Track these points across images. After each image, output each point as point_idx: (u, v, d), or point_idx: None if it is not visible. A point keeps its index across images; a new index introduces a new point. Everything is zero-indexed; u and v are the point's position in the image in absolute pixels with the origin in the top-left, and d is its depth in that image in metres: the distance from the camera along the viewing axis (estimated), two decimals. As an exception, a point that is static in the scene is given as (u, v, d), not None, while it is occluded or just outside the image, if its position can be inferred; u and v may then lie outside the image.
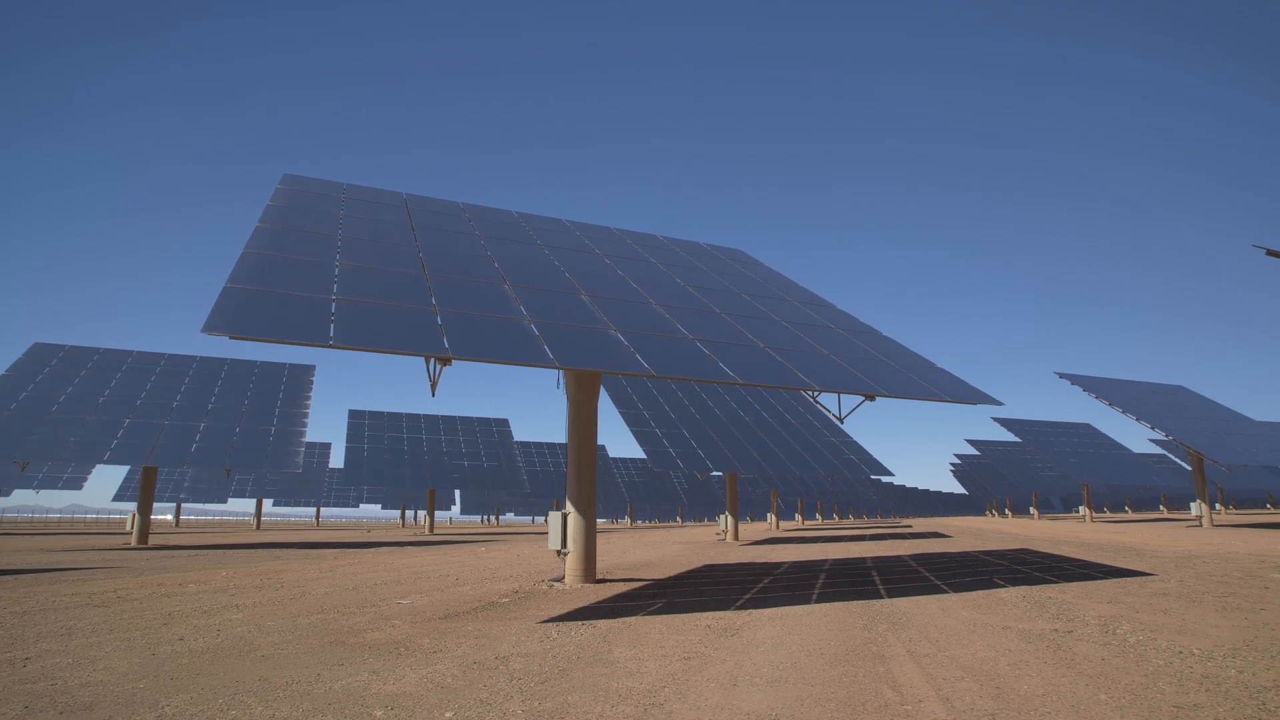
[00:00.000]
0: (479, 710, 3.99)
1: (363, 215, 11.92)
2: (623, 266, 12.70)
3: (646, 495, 63.34)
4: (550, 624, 6.94)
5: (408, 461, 35.56)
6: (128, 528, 21.60)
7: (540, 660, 5.24)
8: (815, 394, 10.69)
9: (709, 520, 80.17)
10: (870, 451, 29.21)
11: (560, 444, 56.31)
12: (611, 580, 11.04)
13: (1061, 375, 30.46)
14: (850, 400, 10.43)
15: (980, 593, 9.10)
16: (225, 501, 48.66)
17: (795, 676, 4.73)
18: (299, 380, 26.14)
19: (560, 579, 10.99)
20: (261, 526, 43.47)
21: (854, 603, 8.34)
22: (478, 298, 9.18)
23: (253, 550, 20.12)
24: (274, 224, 10.10)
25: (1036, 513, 53.59)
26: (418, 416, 39.39)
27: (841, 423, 10.55)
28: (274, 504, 57.19)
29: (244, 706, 4.06)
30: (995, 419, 43.86)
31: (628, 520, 65.51)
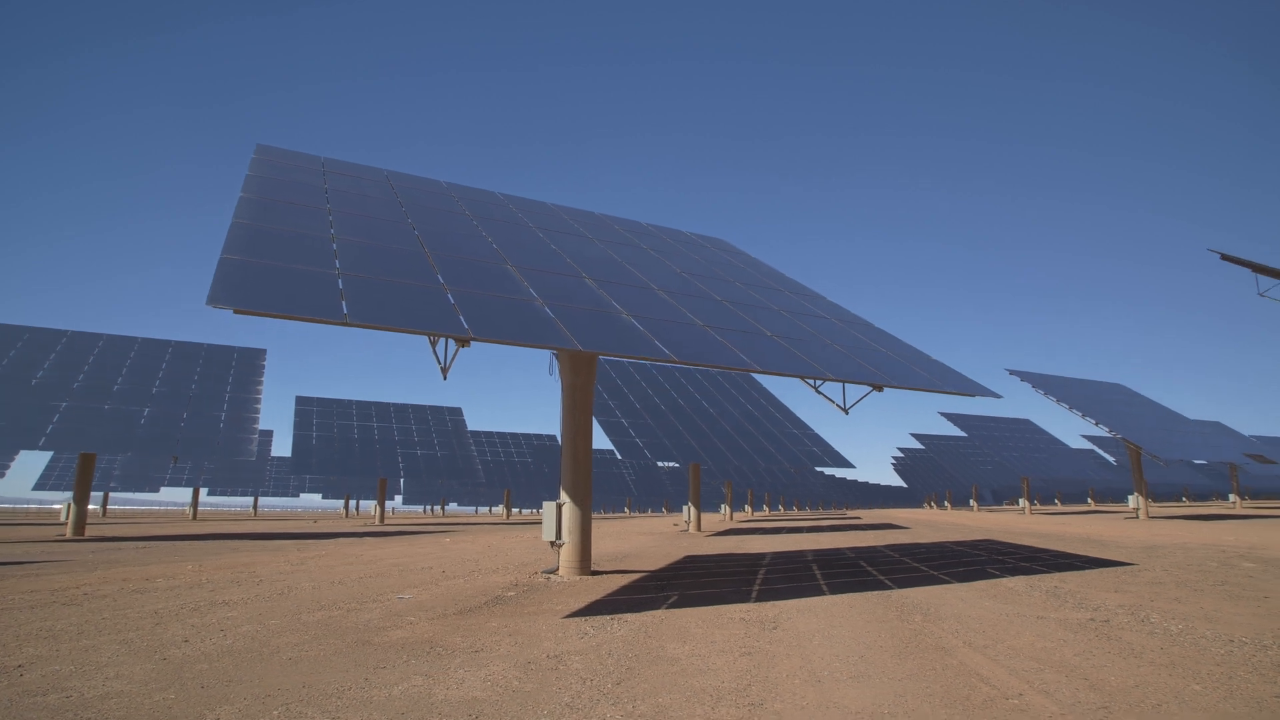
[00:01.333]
0: (573, 716, 3.68)
1: (348, 189, 11.27)
2: (616, 251, 12.37)
3: (596, 485, 63.12)
4: (576, 619, 6.63)
5: (358, 450, 34.41)
6: (62, 518, 20.21)
7: (597, 659, 4.95)
8: (818, 384, 10.61)
9: (654, 511, 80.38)
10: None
11: (512, 434, 55.56)
12: (606, 572, 10.76)
13: (1012, 372, 31.45)
14: (854, 391, 10.38)
15: (984, 583, 9.17)
16: (158, 490, 46.25)
17: (875, 671, 4.57)
18: (249, 365, 24.89)
19: (554, 571, 10.65)
20: (197, 517, 41.48)
21: (868, 594, 8.28)
22: (484, 278, 8.74)
23: (205, 542, 19.06)
24: (258, 195, 9.42)
25: (975, 505, 55.46)
26: (368, 404, 38.15)
27: (847, 412, 10.51)
28: (208, 493, 54.80)
29: (306, 719, 3.66)
30: (943, 414, 45.11)
31: (578, 511, 65.06)
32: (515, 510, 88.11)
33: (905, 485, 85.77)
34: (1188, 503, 65.99)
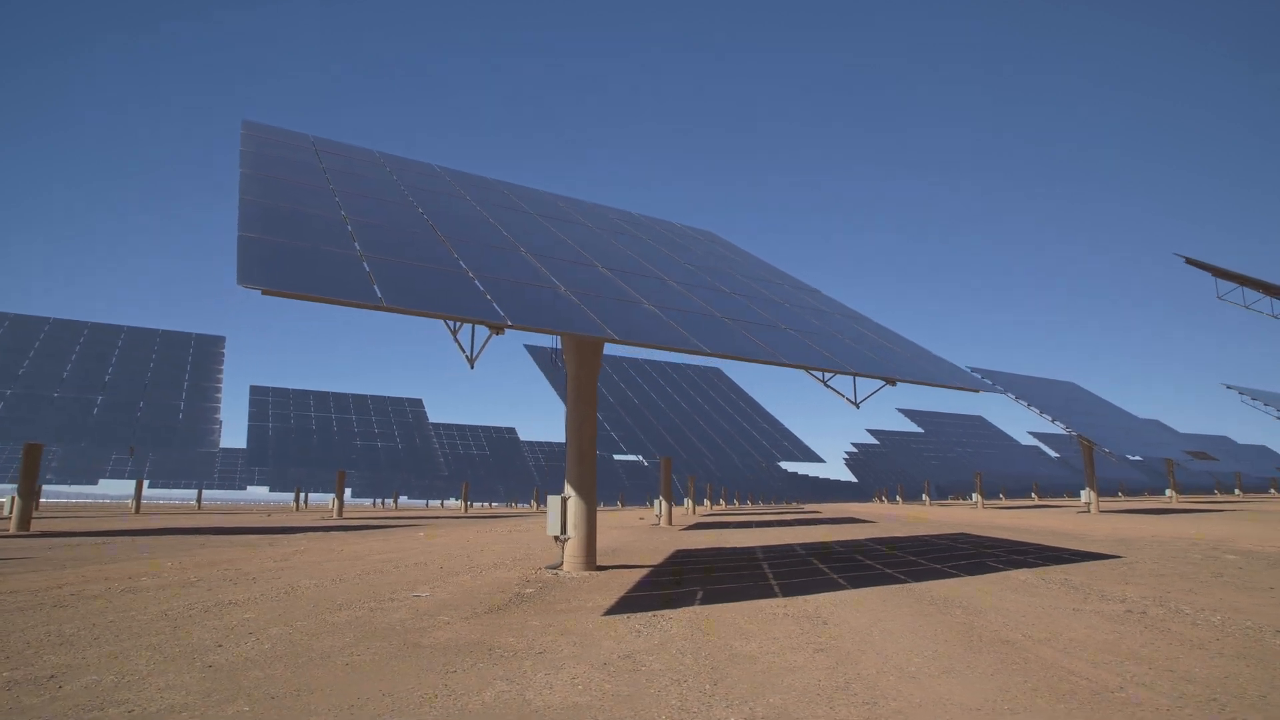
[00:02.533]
0: (693, 720, 3.52)
1: (344, 169, 10.78)
2: (620, 240, 12.16)
3: (554, 479, 62.71)
4: (616, 617, 6.45)
5: (317, 441, 33.35)
6: (5, 512, 18.99)
7: (672, 658, 4.78)
8: (828, 377, 10.61)
9: (608, 505, 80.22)
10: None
11: (470, 426, 54.64)
12: (610, 568, 10.57)
13: (974, 370, 32.27)
14: (866, 385, 10.41)
15: (992, 575, 9.30)
16: (96, 483, 43.97)
17: (960, 666, 4.52)
18: (207, 352, 23.80)
19: (558, 566, 10.43)
20: (140, 510, 39.64)
21: (888, 587, 8.30)
22: (502, 264, 8.44)
23: (167, 538, 18.13)
24: (258, 172, 8.90)
25: (928, 499, 56.93)
26: (326, 394, 37.00)
27: (858, 407, 10.53)
28: (149, 486, 52.48)
29: (409, 727, 3.40)
30: (900, 410, 46.08)
31: (534, 504, 64.57)
32: (472, 504, 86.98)
33: (856, 480, 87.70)
34: (1124, 497, 69.06)
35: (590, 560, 10.34)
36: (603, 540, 16.42)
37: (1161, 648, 5.01)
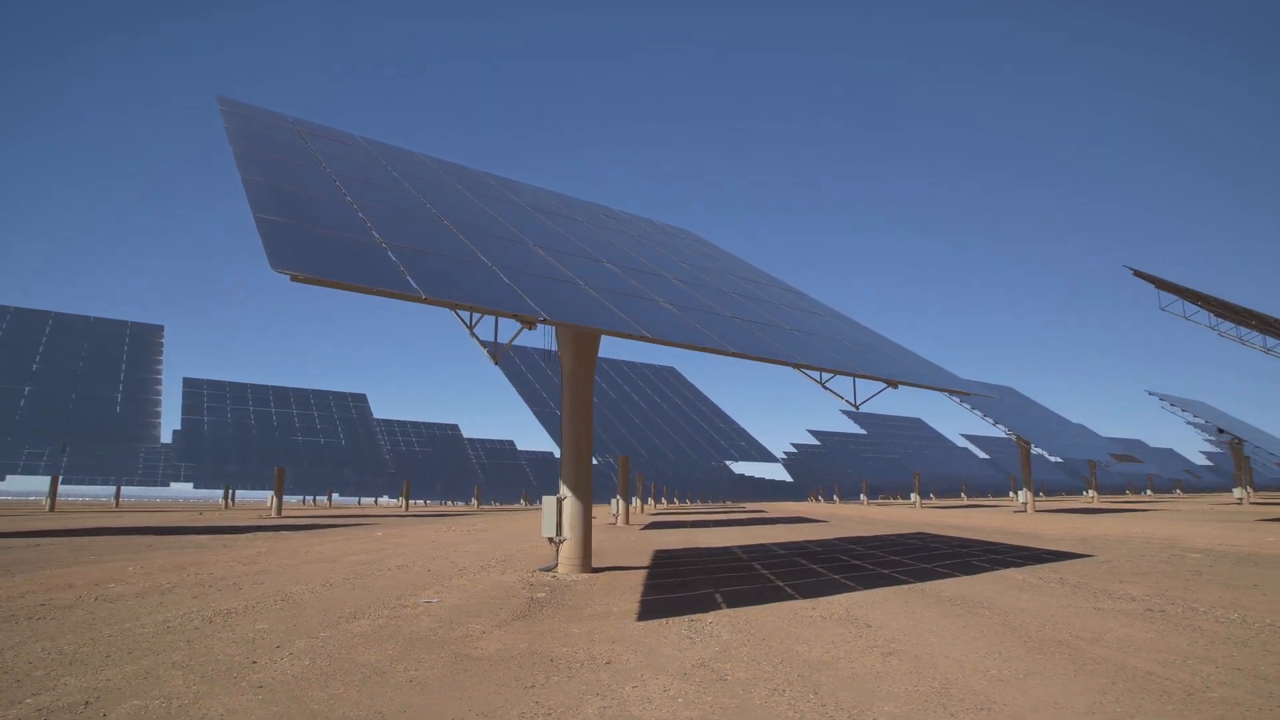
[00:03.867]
0: (826, 735, 3.39)
1: (333, 153, 10.22)
2: (616, 238, 11.95)
3: (495, 477, 61.77)
4: (653, 622, 6.28)
5: (255, 437, 31.84)
6: (-84, 512, 17.37)
7: (749, 666, 4.66)
8: (826, 379, 10.67)
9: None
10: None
11: (414, 422, 53.18)
12: (605, 569, 10.37)
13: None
14: (866, 388, 10.50)
15: (988, 575, 9.52)
16: (3, 479, 40.74)
17: (1038, 669, 4.54)
18: (145, 342, 22.36)
19: (552, 568, 10.17)
20: (56, 509, 36.96)
21: (897, 588, 8.38)
22: (518, 256, 8.14)
23: (104, 538, 16.85)
24: (252, 150, 8.33)
25: (865, 499, 58.51)
26: (265, 388, 35.36)
27: (858, 409, 10.62)
28: (62, 481, 49.13)
29: (534, 750, 3.16)
30: (844, 411, 47.19)
31: (475, 502, 63.39)
32: (411, 502, 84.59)
33: (791, 480, 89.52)
34: (1046, 497, 72.54)
35: (586, 562, 10.12)
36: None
37: (1211, 647, 5.17)
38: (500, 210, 10.44)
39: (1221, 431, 33.96)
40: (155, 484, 53.52)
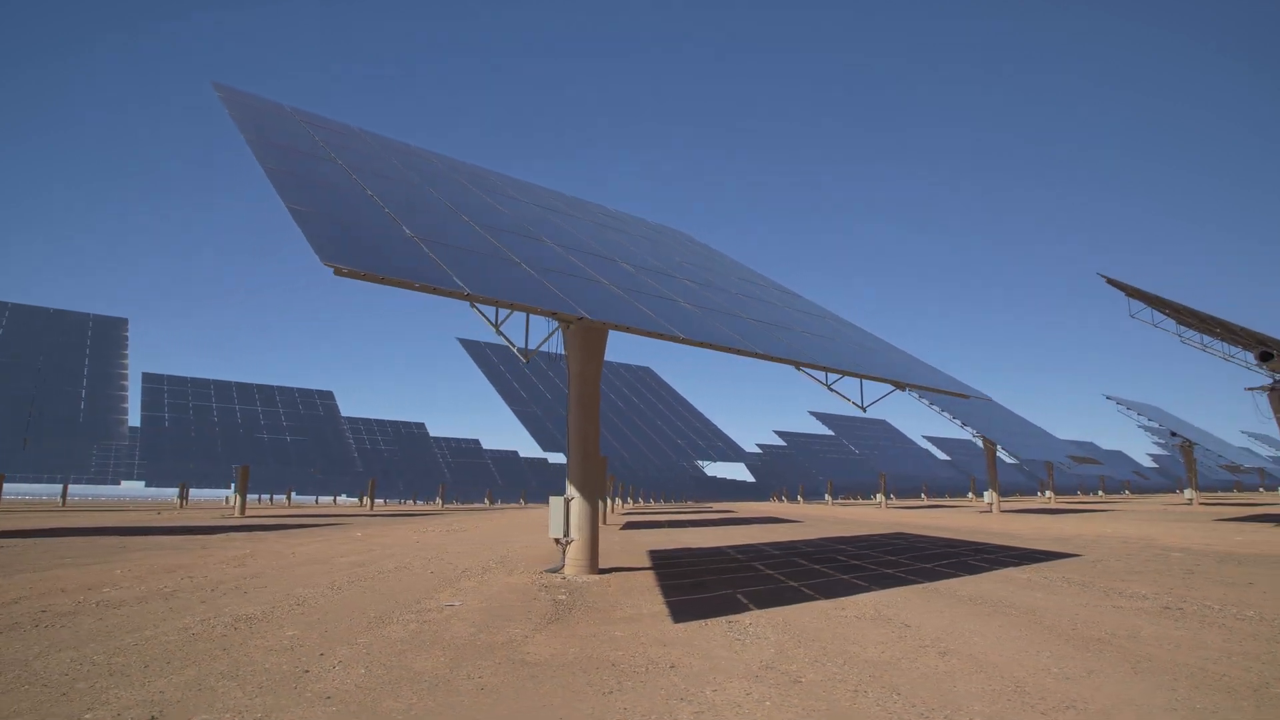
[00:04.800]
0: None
1: (338, 143, 9.95)
2: (622, 238, 11.89)
3: (460, 476, 61.07)
4: (692, 624, 6.25)
5: (220, 434, 30.88)
6: None
7: (817, 667, 4.66)
8: (833, 380, 10.76)
9: (507, 502, 78.99)
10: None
11: (379, 420, 52.22)
12: (611, 570, 10.30)
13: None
14: (872, 390, 10.62)
15: (991, 574, 9.71)
16: (-58, 478, 38.68)
17: (1095, 667, 4.64)
18: (109, 336, 21.49)
19: (558, 569, 10.06)
20: (2, 507, 35.34)
21: (914, 587, 8.49)
22: (543, 253, 8.03)
23: (66, 539, 16.11)
24: (265, 140, 8.05)
25: (830, 499, 59.34)
26: (228, 383, 34.32)
27: (865, 410, 10.73)
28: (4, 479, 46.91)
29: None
30: (812, 412, 47.79)
31: (439, 501, 62.55)
32: (374, 501, 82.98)
33: (754, 480, 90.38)
34: (1002, 497, 74.49)
35: (593, 564, 10.03)
36: (546, 541, 16.02)
37: (1245, 643, 5.35)
38: (510, 206, 10.30)
39: (1174, 434, 35.33)
40: (106, 482, 51.55)
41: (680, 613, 6.80)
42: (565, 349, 10.65)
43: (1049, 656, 4.97)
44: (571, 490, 10.13)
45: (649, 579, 9.43)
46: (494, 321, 7.98)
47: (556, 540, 10.13)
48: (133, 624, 6.12)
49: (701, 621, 6.33)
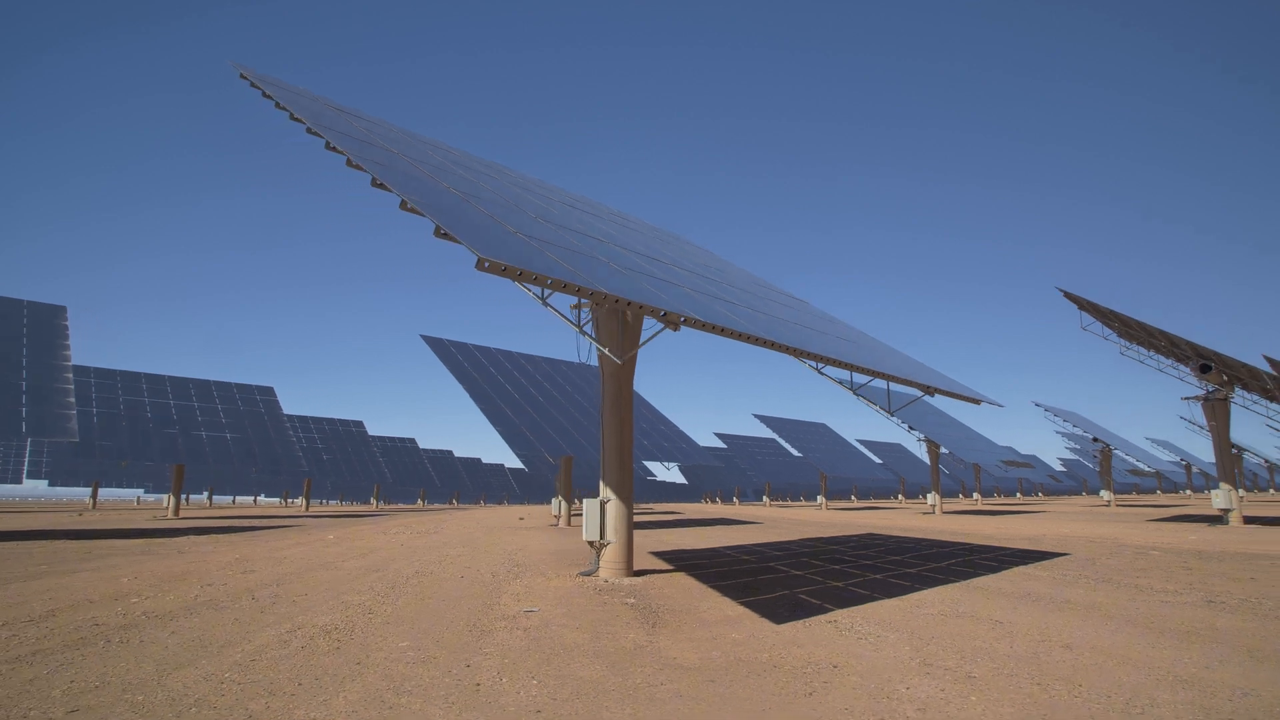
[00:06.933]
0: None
1: (377, 136, 9.57)
2: (642, 239, 11.87)
3: (397, 476, 59.37)
4: (795, 624, 6.34)
5: (153, 431, 29.03)
6: None
7: (976, 663, 4.82)
8: (858, 387, 11.04)
9: (459, 503, 77.31)
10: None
11: (315, 418, 50.14)
12: (646, 573, 10.27)
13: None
14: (898, 394, 10.95)
15: (1009, 572, 10.19)
16: None
17: (1220, 657, 4.97)
18: (47, 324, 19.87)
19: (592, 572, 9.97)
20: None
21: (955, 585, 8.82)
22: (610, 253, 7.95)
23: (11, 544, 14.83)
24: (320, 125, 7.68)
25: (768, 500, 60.67)
26: (161, 378, 32.28)
27: (892, 415, 11.08)
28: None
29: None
30: (757, 415, 48.74)
31: (374, 502, 60.56)
32: (302, 502, 79.69)
33: (686, 482, 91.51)
34: (924, 499, 77.84)
35: (629, 566, 9.99)
36: (551, 544, 15.84)
37: (1314, 635, 5.82)
38: (552, 205, 10.15)
39: (1096, 440, 37.82)
40: (6, 481, 47.61)
41: (770, 614, 6.86)
42: (600, 353, 10.57)
43: (1166, 648, 5.29)
44: (607, 492, 10.05)
45: (689, 581, 9.45)
46: (576, 322, 7.85)
47: (591, 543, 10.04)
48: (217, 637, 5.73)
49: (802, 622, 6.42)
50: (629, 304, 5.88)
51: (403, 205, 5.69)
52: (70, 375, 18.35)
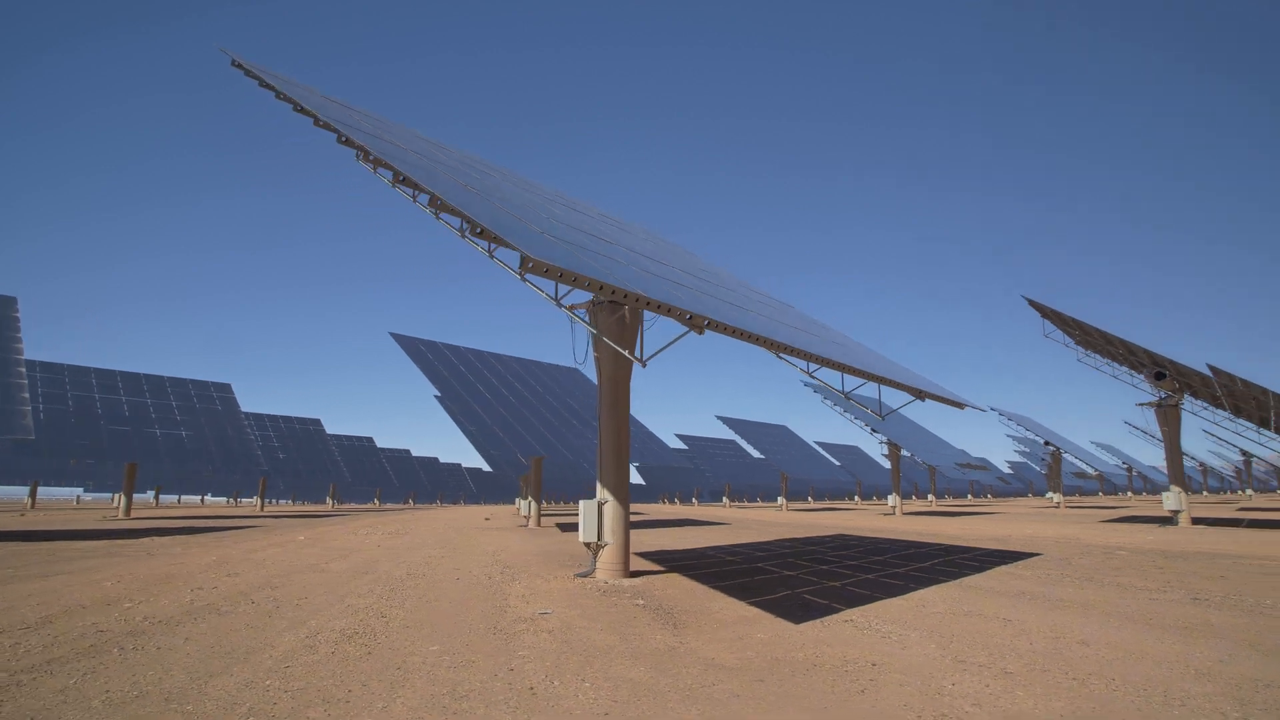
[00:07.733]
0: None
1: (382, 132, 9.41)
2: (654, 244, 11.91)
3: (355, 475, 58.23)
4: (815, 623, 6.46)
5: (104, 428, 27.92)
6: None
7: (1007, 659, 4.99)
8: (851, 390, 11.28)
9: (416, 503, 76.07)
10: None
11: (271, 416, 48.79)
12: (642, 574, 10.32)
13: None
14: (888, 399, 11.20)
15: (993, 571, 10.52)
16: None
17: (1235, 654, 5.24)
18: (-2, 313, 18.98)
19: (588, 573, 9.97)
20: None
21: (950, 584, 9.08)
22: (621, 254, 7.98)
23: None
24: (342, 121, 7.53)
25: (728, 501, 61.21)
26: (112, 373, 31.03)
27: (883, 419, 11.31)
28: None
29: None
30: (719, 417, 49.17)
31: (331, 502, 59.20)
32: (256, 501, 77.40)
33: (645, 483, 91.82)
34: (879, 500, 79.56)
35: (626, 567, 10.02)
36: (512, 543, 15.75)
37: (1302, 631, 6.17)
38: (554, 206, 10.12)
39: (1048, 444, 39.20)
40: (-66, 480, 45.10)
41: (786, 614, 6.97)
42: (595, 352, 10.57)
43: (1174, 644, 5.56)
44: (604, 494, 10.06)
45: (687, 582, 9.52)
46: (588, 322, 7.84)
47: (588, 544, 10.04)
48: (233, 643, 5.59)
49: (820, 621, 6.54)
50: (659, 306, 5.92)
51: (432, 203, 5.63)
52: (23, 370, 17.56)
